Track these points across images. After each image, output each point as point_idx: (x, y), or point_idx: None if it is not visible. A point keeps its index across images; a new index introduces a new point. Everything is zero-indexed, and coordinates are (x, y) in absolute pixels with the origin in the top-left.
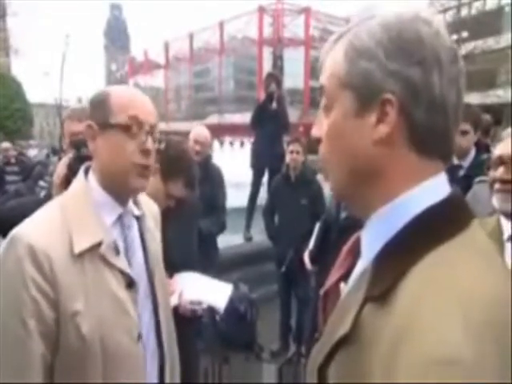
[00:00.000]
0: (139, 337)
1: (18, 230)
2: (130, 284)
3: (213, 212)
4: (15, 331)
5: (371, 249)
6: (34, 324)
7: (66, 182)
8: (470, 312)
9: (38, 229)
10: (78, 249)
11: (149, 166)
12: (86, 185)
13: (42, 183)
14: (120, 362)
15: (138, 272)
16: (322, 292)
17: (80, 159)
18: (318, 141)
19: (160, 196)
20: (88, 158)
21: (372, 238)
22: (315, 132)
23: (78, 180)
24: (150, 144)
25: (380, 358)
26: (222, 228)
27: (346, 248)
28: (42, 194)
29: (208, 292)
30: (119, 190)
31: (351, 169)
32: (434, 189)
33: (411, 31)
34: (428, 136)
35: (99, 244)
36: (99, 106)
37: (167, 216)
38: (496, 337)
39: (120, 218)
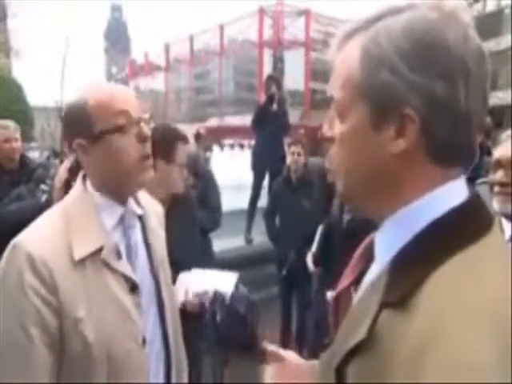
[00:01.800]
0: (144, 341)
1: (19, 239)
2: (133, 288)
3: (206, 208)
4: (18, 340)
5: (386, 253)
6: (37, 333)
7: (67, 185)
8: (495, 320)
9: (38, 237)
10: (78, 255)
11: (148, 154)
12: (85, 190)
13: (43, 187)
14: (124, 367)
15: (142, 273)
16: (333, 296)
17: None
18: (330, 140)
19: (166, 183)
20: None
21: (387, 242)
22: (327, 131)
23: (77, 186)
24: (145, 129)
25: (401, 365)
26: (215, 224)
27: (358, 251)
28: (44, 197)
29: (212, 281)
30: (121, 189)
31: (365, 177)
32: (453, 193)
33: (437, 37)
34: (450, 150)
35: (100, 249)
36: (80, 120)
37: (168, 215)
38: None
39: (122, 219)
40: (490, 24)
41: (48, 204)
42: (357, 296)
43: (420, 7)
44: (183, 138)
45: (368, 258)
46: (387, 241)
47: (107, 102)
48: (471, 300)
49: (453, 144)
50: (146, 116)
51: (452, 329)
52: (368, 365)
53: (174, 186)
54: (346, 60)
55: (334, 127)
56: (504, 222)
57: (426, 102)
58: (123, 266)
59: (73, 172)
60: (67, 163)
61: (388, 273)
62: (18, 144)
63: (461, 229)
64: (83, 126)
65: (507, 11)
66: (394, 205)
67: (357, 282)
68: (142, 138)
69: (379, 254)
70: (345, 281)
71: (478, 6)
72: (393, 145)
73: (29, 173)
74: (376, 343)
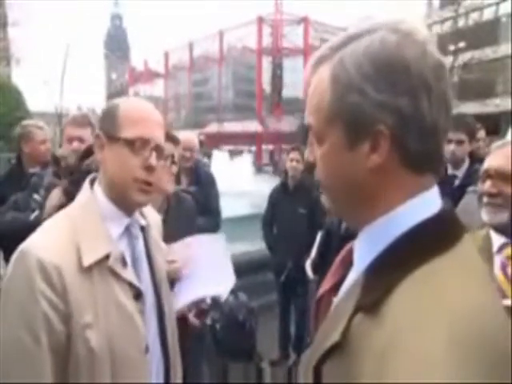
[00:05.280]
0: (146, 349)
1: (27, 245)
2: (138, 295)
3: (207, 213)
4: (26, 345)
5: (363, 260)
6: (45, 338)
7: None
8: (454, 332)
9: (47, 242)
10: (86, 262)
11: (151, 182)
12: (92, 196)
13: (36, 196)
14: (127, 374)
15: (145, 283)
16: (314, 300)
17: (74, 183)
18: (314, 164)
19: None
20: (82, 179)
21: (364, 250)
22: (310, 157)
23: (84, 192)
24: (153, 160)
25: (367, 370)
26: (215, 228)
27: (338, 258)
28: (35, 211)
29: (207, 284)
30: (123, 202)
31: (346, 193)
32: (426, 203)
33: (397, 59)
34: (421, 158)
35: (107, 256)
36: (108, 117)
37: (166, 218)
38: (481, 355)
39: (127, 229)
40: (487, 32)
41: (37, 223)
42: (335, 300)
43: (378, 31)
44: (168, 138)
45: (348, 263)
46: (364, 249)
47: (134, 119)
48: (429, 312)
49: (423, 153)
50: (167, 152)
51: (408, 342)
52: (340, 366)
53: (163, 185)
54: (316, 87)
55: (314, 151)
56: (493, 233)
57: (395, 118)
58: (129, 274)
59: (68, 194)
60: (58, 191)
61: (363, 279)
62: (49, 146)
63: (430, 240)
64: (108, 122)
65: (504, 20)
66: (372, 215)
67: (337, 286)
68: (145, 166)
69: (357, 261)
70: (325, 285)
71: (475, 15)
72: (368, 160)
73: (26, 179)
74: (348, 346)
